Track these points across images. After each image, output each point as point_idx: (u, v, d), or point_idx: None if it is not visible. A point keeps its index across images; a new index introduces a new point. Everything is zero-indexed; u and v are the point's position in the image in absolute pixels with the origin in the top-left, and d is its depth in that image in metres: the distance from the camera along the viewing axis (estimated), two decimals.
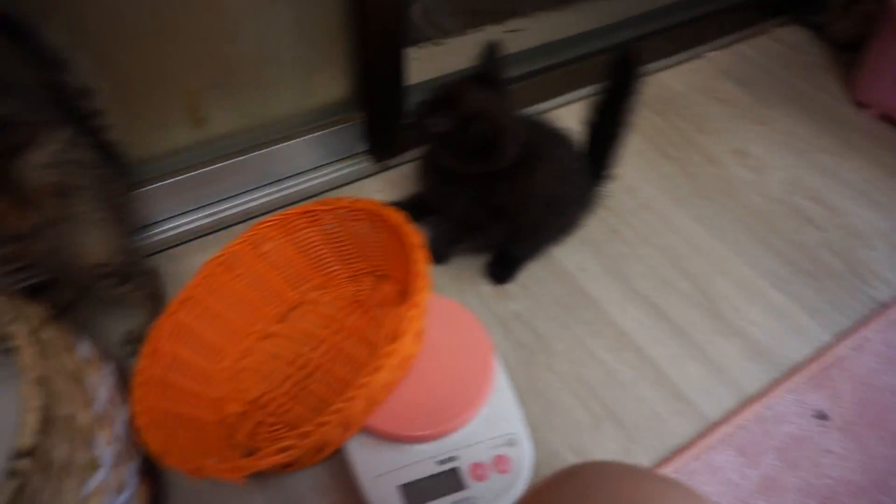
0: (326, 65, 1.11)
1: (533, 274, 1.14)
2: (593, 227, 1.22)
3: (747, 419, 0.96)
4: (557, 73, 1.42)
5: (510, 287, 1.12)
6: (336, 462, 0.89)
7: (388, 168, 1.30)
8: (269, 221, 0.99)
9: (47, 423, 0.63)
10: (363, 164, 1.26)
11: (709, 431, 0.94)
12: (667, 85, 1.57)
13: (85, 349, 0.80)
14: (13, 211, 0.71)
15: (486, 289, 1.12)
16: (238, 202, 1.16)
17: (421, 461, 0.86)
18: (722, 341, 1.05)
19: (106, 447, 0.71)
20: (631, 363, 1.02)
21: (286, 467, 0.84)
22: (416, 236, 0.88)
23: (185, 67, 0.97)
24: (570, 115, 1.47)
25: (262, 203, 1.18)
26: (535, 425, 0.94)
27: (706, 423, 0.95)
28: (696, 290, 1.13)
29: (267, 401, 0.94)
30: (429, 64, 1.31)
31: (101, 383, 0.78)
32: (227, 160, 1.10)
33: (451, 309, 1.01)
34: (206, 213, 1.14)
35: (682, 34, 1.60)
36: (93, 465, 0.69)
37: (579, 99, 1.49)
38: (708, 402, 0.97)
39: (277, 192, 1.19)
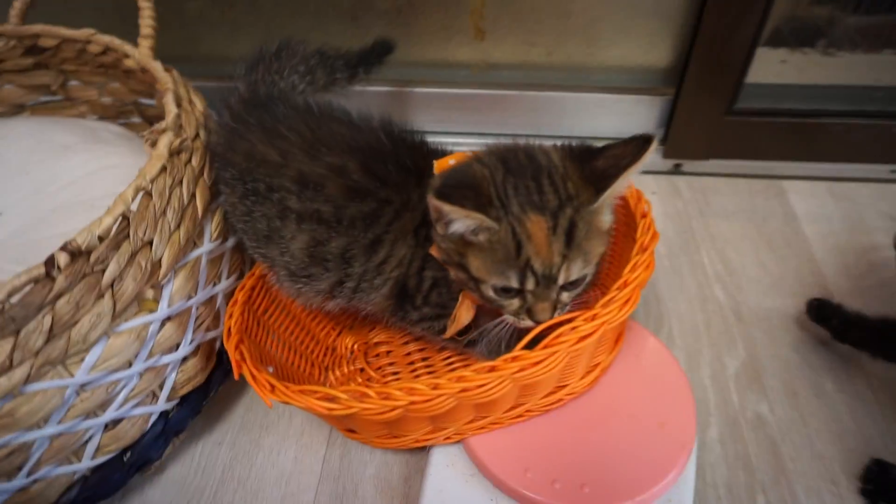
0: (652, 14, 0.87)
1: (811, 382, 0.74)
2: None
3: None
4: None
5: (767, 381, 0.75)
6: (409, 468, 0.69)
7: (678, 171, 1.00)
8: None
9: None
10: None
11: None
12: None
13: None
14: None
15: (733, 363, 0.76)
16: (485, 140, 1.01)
17: None
18: None
19: (181, 291, 0.62)
20: None
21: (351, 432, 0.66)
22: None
23: None
24: None
25: None
26: None
27: None
28: None
29: (383, 352, 0.77)
30: (795, 70, 0.96)
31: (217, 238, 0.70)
32: (488, 90, 0.95)
33: (659, 359, 0.70)
34: (452, 139, 1.00)
35: None
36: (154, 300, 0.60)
37: None
38: None
39: None
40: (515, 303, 0.54)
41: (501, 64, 0.95)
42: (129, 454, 0.62)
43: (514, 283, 0.52)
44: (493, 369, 0.53)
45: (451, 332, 0.60)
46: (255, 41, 0.76)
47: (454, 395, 0.53)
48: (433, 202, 0.48)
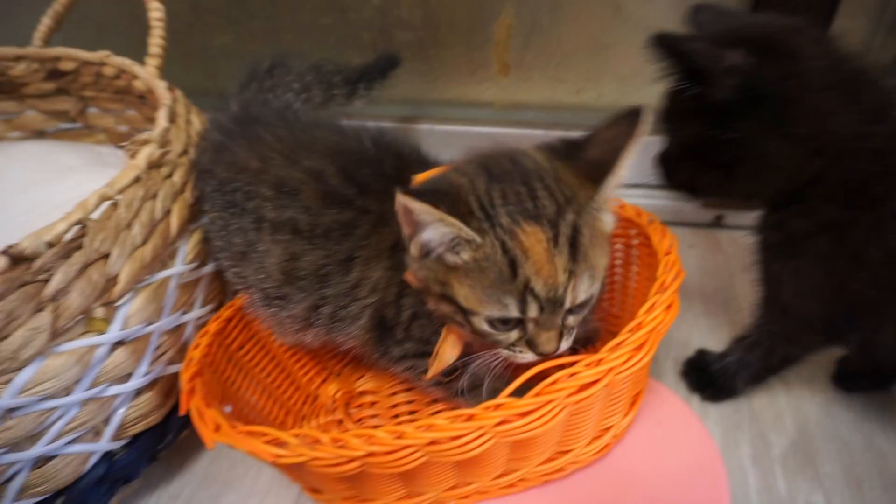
0: None
1: None
2: None
3: None
4: None
5: (823, 465, 0.62)
6: None
7: (719, 224, 0.91)
8: None
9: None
10: (662, 202, 0.89)
11: None
12: None
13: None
14: None
15: (780, 442, 0.64)
16: None
17: None
18: None
19: (140, 314, 0.56)
20: None
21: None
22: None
23: None
24: None
25: None
26: None
27: None
28: None
29: (368, 402, 0.68)
30: None
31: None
32: (512, 128, 0.89)
33: (687, 430, 0.59)
34: None
35: None
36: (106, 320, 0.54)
37: None
38: None
39: None
40: (514, 335, 0.46)
41: (527, 102, 0.89)
42: (62, 499, 0.55)
43: (514, 312, 0.43)
44: (470, 418, 0.44)
45: (433, 372, 0.52)
46: None
47: (422, 448, 0.44)
48: (400, 200, 0.41)
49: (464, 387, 0.54)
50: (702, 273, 0.85)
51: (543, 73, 0.86)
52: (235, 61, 0.96)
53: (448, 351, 0.52)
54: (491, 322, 0.45)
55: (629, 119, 0.44)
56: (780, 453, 0.63)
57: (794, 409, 0.67)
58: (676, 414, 0.62)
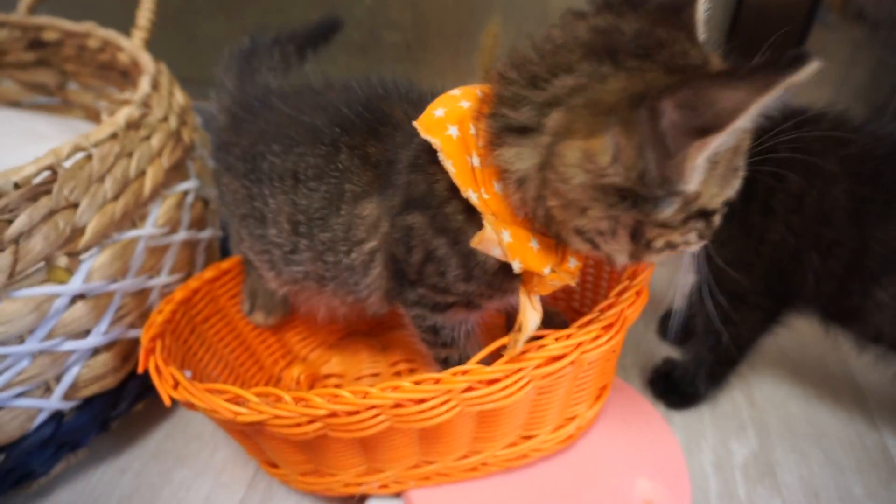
0: None
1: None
2: None
3: None
4: None
5: (783, 476, 0.62)
6: None
7: None
8: None
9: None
10: None
11: None
12: None
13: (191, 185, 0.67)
14: None
15: (741, 451, 0.64)
16: None
17: None
18: None
19: (103, 270, 0.55)
20: None
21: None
22: None
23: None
24: None
25: None
26: None
27: None
28: None
29: (332, 385, 0.67)
30: None
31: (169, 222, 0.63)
32: None
33: (652, 430, 0.59)
34: None
35: None
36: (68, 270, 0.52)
37: None
38: None
39: None
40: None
41: None
42: (2, 457, 0.52)
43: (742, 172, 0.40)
44: (437, 382, 0.43)
45: (520, 345, 0.44)
46: None
47: (386, 411, 0.43)
48: (764, 95, 0.30)
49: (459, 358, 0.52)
50: (668, 286, 0.86)
51: None
52: (223, 51, 0.96)
53: (531, 317, 0.44)
54: (723, 206, 0.40)
55: None
56: (742, 462, 0.63)
57: (756, 420, 0.68)
58: (642, 414, 0.62)
